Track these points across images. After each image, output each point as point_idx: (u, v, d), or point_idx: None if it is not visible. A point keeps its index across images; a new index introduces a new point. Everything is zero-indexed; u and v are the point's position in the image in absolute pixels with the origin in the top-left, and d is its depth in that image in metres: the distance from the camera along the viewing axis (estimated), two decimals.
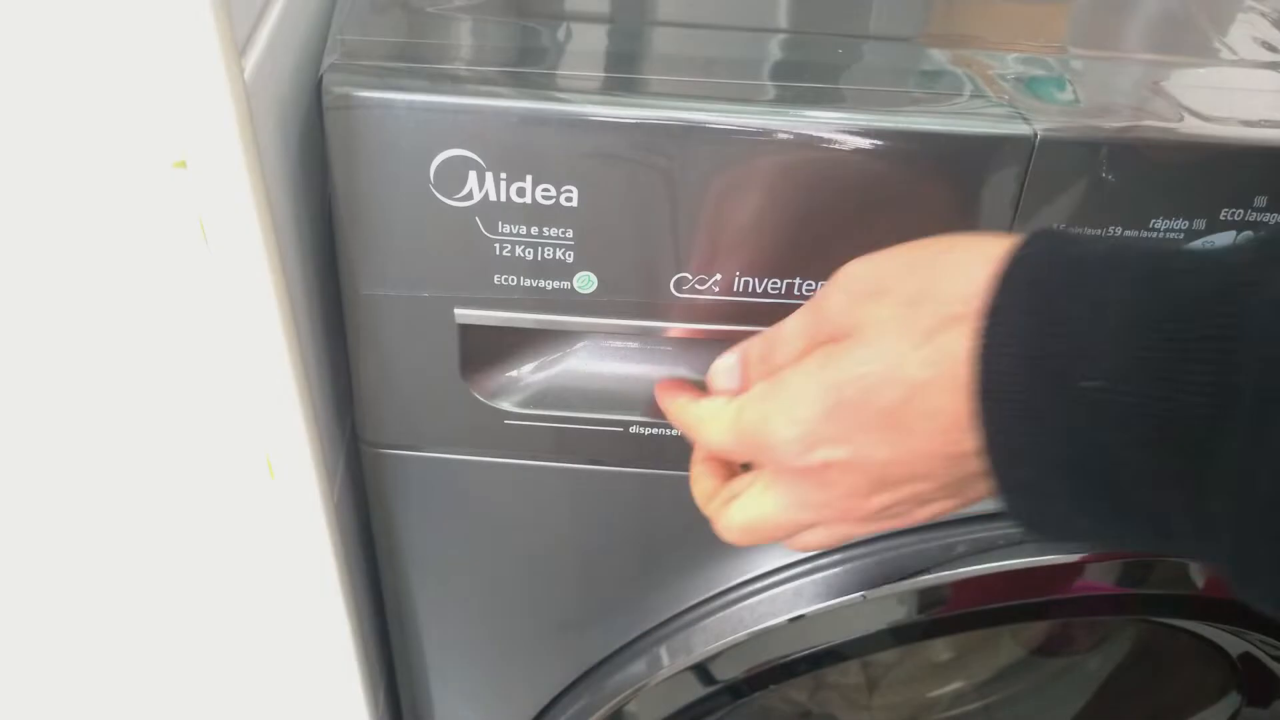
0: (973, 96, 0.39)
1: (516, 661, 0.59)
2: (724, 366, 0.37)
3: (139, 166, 0.31)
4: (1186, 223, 0.39)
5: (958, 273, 0.30)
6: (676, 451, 0.46)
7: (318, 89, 0.36)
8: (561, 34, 0.42)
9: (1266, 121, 0.40)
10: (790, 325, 0.35)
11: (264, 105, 0.34)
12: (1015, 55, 0.42)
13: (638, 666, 0.56)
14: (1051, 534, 0.31)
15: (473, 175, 0.37)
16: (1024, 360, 0.28)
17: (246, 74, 0.32)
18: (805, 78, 0.40)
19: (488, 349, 0.44)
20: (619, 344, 0.45)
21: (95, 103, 0.29)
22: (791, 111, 0.37)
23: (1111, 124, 0.38)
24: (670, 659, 0.54)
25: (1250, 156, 0.39)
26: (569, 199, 0.38)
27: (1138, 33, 0.49)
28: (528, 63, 0.39)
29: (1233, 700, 0.72)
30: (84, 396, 0.36)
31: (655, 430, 0.45)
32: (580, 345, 0.45)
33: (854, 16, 0.47)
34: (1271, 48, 0.46)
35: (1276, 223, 0.27)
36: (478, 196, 0.38)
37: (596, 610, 0.56)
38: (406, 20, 0.41)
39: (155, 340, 0.35)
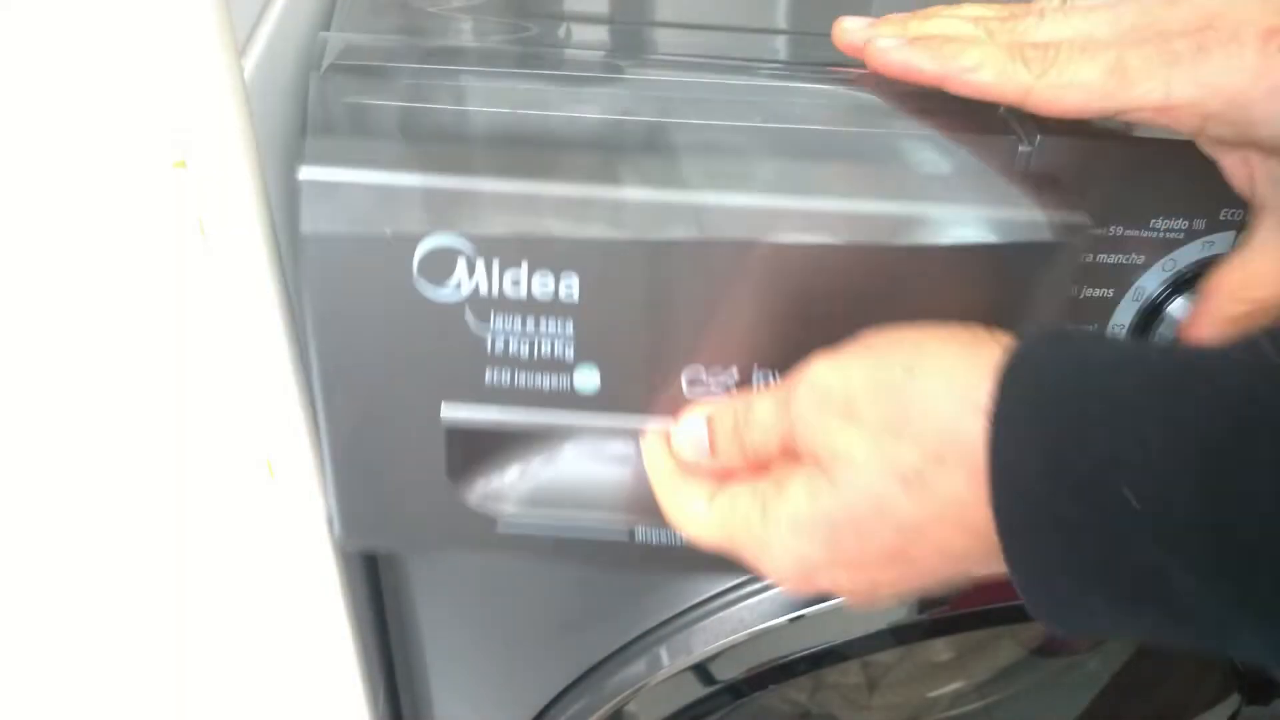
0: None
1: (516, 662, 0.59)
2: (692, 438, 0.36)
3: (139, 166, 0.31)
4: (1186, 222, 0.39)
5: (929, 406, 0.29)
6: (686, 557, 0.41)
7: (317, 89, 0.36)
8: (562, 32, 0.42)
9: None
10: (761, 411, 0.34)
11: (264, 105, 0.34)
12: None
13: (638, 667, 0.56)
14: (1088, 634, 0.29)
15: (461, 263, 0.33)
16: (1044, 475, 0.26)
17: (246, 74, 0.32)
18: (804, 78, 0.40)
19: (478, 450, 0.39)
20: (624, 446, 0.40)
21: (95, 102, 0.29)
22: (800, 198, 0.34)
23: (1112, 123, 0.38)
24: (670, 659, 0.54)
25: None
26: (569, 289, 0.34)
27: None
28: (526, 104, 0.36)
29: (1233, 701, 0.72)
30: (82, 397, 0.36)
31: (663, 540, 0.41)
32: (581, 446, 0.41)
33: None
34: None
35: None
36: (467, 287, 0.34)
37: (596, 610, 0.56)
38: (406, 20, 0.41)
39: (155, 341, 0.35)
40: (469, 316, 0.34)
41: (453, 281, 0.33)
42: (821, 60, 0.42)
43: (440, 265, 0.33)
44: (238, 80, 0.31)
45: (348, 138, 0.34)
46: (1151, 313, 0.41)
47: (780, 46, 0.44)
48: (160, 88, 0.29)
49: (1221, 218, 0.39)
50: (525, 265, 0.33)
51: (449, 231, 0.32)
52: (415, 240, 0.32)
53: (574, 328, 0.35)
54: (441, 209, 0.32)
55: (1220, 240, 0.40)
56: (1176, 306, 0.41)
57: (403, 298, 0.34)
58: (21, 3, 0.27)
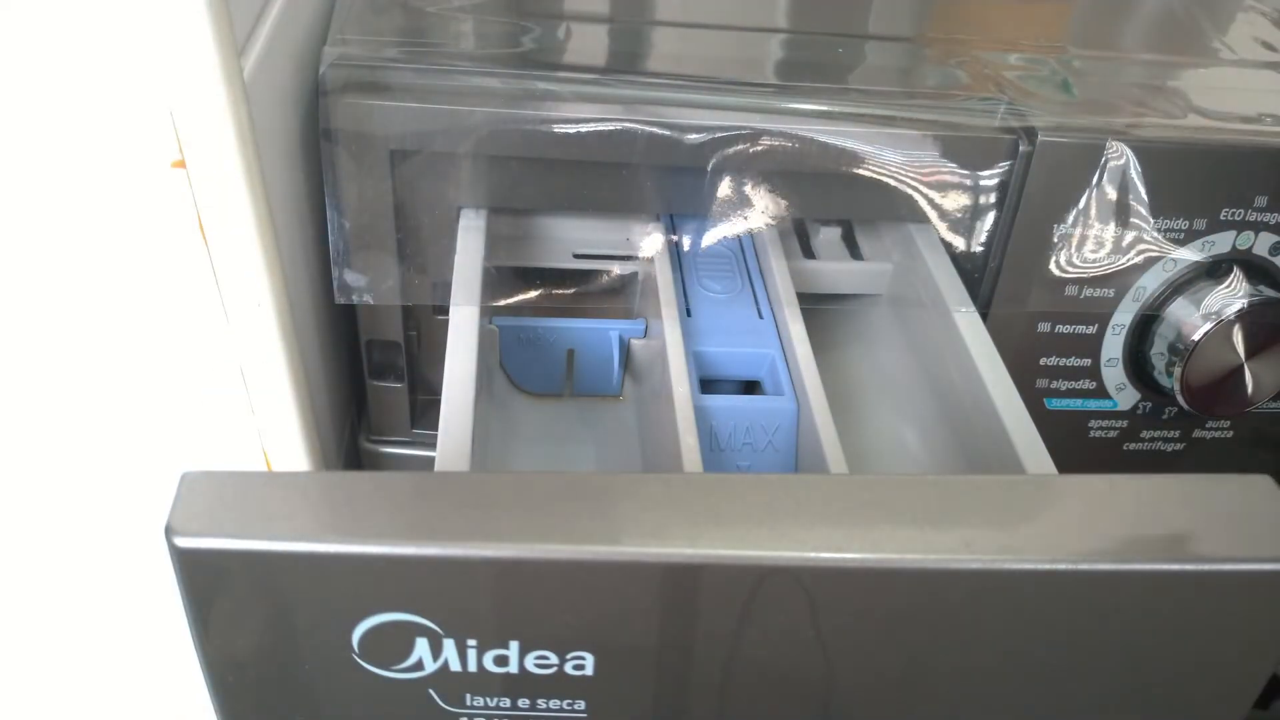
0: (972, 96, 0.39)
1: None
2: None
3: (137, 167, 0.31)
4: (1186, 223, 0.39)
5: None
6: None
7: (317, 90, 0.36)
8: (562, 33, 0.42)
9: (1266, 121, 0.40)
10: None
11: (263, 105, 0.34)
12: (1015, 55, 0.42)
13: None
14: None
15: (422, 644, 0.24)
16: None
17: (246, 74, 0.32)
18: (806, 77, 0.40)
19: None
20: None
21: (93, 102, 0.29)
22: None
23: (1112, 123, 0.38)
24: None
25: (1250, 156, 0.39)
26: (580, 666, 0.25)
27: (1138, 33, 0.49)
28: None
29: None
30: (80, 397, 0.36)
31: None
32: None
33: (854, 17, 0.47)
34: (1271, 47, 0.46)
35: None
36: (431, 667, 0.25)
37: None
38: (406, 20, 0.41)
39: (153, 341, 0.35)
40: (434, 695, 0.25)
41: (409, 662, 0.24)
42: (818, 62, 0.42)
43: (389, 645, 0.24)
44: (237, 80, 0.31)
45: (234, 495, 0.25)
46: (1152, 313, 0.41)
47: (778, 50, 0.44)
48: (159, 87, 0.29)
49: (1221, 218, 0.40)
50: (515, 646, 0.24)
51: (397, 612, 0.23)
52: (347, 625, 0.24)
53: (587, 707, 0.26)
54: (382, 584, 0.23)
55: (1220, 240, 0.40)
56: (1176, 306, 0.41)
57: (342, 673, 0.24)
58: (21, 2, 0.27)
